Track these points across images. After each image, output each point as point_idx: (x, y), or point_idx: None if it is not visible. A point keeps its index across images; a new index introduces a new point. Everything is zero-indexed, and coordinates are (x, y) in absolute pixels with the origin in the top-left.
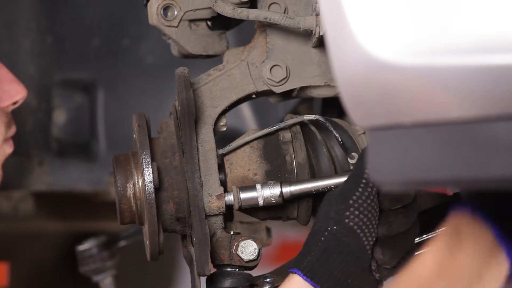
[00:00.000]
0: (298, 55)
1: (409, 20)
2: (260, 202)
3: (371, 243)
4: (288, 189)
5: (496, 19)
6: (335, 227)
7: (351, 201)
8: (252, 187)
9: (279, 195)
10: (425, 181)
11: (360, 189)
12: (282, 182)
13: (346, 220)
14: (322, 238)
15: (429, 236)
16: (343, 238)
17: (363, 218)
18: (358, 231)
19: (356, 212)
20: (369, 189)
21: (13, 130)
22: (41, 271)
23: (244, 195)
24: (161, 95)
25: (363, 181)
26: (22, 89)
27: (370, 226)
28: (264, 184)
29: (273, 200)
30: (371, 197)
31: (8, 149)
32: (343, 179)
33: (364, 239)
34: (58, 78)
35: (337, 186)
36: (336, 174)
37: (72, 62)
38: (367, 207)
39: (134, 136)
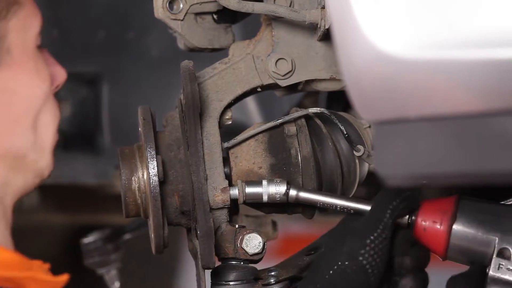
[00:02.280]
0: (304, 48)
1: (416, 14)
2: (265, 198)
3: (377, 283)
4: (295, 193)
5: (503, 13)
6: (346, 263)
7: (368, 241)
8: (258, 182)
9: (284, 194)
10: (431, 176)
11: (378, 231)
12: (291, 185)
13: (360, 258)
14: (331, 272)
15: None
16: (352, 274)
17: (376, 259)
18: (370, 270)
19: (371, 252)
20: (386, 232)
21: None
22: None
23: (249, 190)
24: (166, 88)
25: (382, 223)
26: (63, 72)
27: (381, 267)
28: (270, 181)
29: (277, 198)
30: (387, 240)
31: (57, 136)
32: (351, 204)
33: (372, 279)
34: None
35: (343, 208)
36: (346, 196)
37: (77, 55)
38: (382, 249)
39: (139, 129)
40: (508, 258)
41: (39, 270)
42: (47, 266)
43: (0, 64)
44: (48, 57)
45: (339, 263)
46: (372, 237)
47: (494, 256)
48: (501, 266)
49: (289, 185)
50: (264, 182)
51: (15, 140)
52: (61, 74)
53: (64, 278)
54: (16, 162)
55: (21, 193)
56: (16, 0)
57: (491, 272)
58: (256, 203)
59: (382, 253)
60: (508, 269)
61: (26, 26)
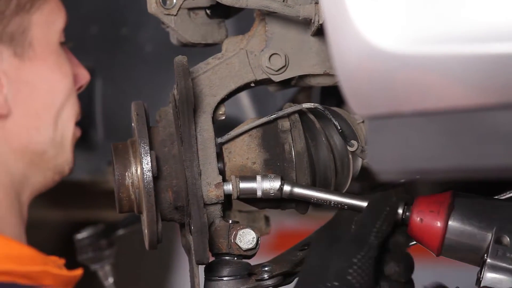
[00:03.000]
0: (297, 43)
1: (408, 8)
2: (259, 193)
3: None
4: (289, 188)
5: (496, 7)
6: (335, 283)
7: (355, 260)
8: (252, 178)
9: (278, 189)
10: (424, 170)
11: (365, 250)
12: (285, 180)
13: (349, 277)
14: None
15: None
16: None
17: (365, 277)
18: (358, 286)
19: (359, 271)
20: (372, 252)
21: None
22: None
23: (243, 185)
24: (160, 83)
25: (367, 245)
26: (87, 74)
27: (368, 284)
28: (264, 176)
29: (271, 194)
30: (373, 259)
31: (79, 132)
32: (345, 199)
33: None
34: None
35: (337, 204)
36: (340, 192)
37: (70, 50)
38: (368, 267)
39: (132, 124)
40: (506, 245)
41: (53, 265)
42: (62, 261)
43: (23, 58)
44: (72, 58)
45: (328, 284)
46: (359, 256)
47: (492, 243)
48: (498, 252)
49: (283, 180)
50: (258, 178)
51: (34, 135)
52: (84, 76)
53: (78, 272)
54: (35, 158)
55: (40, 189)
56: None
57: (489, 260)
58: (249, 198)
59: (369, 271)
60: (505, 255)
61: (49, 21)
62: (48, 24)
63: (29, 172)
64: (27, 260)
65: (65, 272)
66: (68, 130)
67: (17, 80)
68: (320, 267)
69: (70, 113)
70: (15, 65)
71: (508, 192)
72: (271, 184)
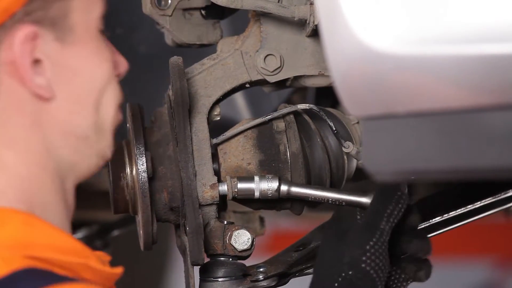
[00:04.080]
0: (292, 44)
1: (403, 9)
2: (257, 194)
3: (383, 285)
4: (286, 188)
5: (490, 8)
6: (350, 272)
7: (368, 247)
8: (250, 178)
9: (276, 190)
10: (420, 171)
11: (377, 236)
12: (282, 179)
13: (363, 265)
14: (336, 284)
15: (428, 224)
16: (358, 282)
17: (379, 263)
18: (374, 275)
19: (373, 257)
20: (384, 237)
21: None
22: None
23: (241, 185)
24: (155, 84)
25: (379, 230)
26: (125, 61)
27: (384, 269)
28: (262, 177)
29: (269, 194)
30: (386, 244)
31: (120, 116)
32: (342, 196)
33: (378, 282)
34: None
35: (335, 201)
36: (337, 189)
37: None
38: (382, 253)
39: (127, 125)
40: None
41: (96, 260)
42: (107, 258)
43: (64, 42)
44: (110, 45)
45: (343, 274)
46: (371, 243)
47: None
48: None
49: (281, 180)
50: (256, 178)
51: (78, 119)
52: (122, 63)
53: (119, 270)
54: (79, 142)
55: (85, 175)
56: None
57: None
58: (245, 199)
59: (383, 257)
60: None
61: (89, 7)
62: (88, 10)
63: (74, 157)
64: (68, 251)
65: (107, 268)
66: (108, 114)
67: (60, 64)
68: (334, 259)
69: (111, 98)
70: (57, 49)
71: (486, 200)
72: (269, 185)
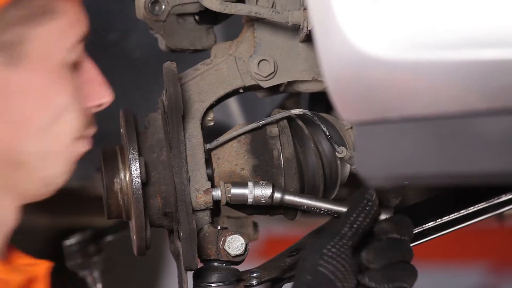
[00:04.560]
0: (286, 49)
1: (396, 15)
2: (250, 200)
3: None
4: (279, 195)
5: (482, 14)
6: (309, 277)
7: (325, 250)
8: (244, 184)
9: (269, 197)
10: (412, 176)
11: (335, 240)
12: (276, 187)
13: (321, 268)
14: None
15: (421, 230)
16: (318, 286)
17: (337, 265)
18: (332, 276)
19: (330, 260)
20: (344, 240)
21: (92, 130)
22: None
23: (235, 191)
24: (149, 89)
25: (340, 234)
26: (109, 93)
27: (345, 272)
28: (256, 183)
29: (262, 201)
30: (346, 247)
31: (82, 147)
32: (335, 207)
33: (339, 284)
34: None
35: (327, 211)
36: (331, 200)
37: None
38: (340, 255)
39: (121, 130)
40: None
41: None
42: (26, 261)
43: (15, 67)
44: (96, 76)
45: (304, 280)
46: (328, 246)
47: None
48: None
49: (275, 187)
50: (250, 184)
51: (16, 144)
52: (105, 95)
53: (14, 278)
54: (17, 165)
55: (26, 199)
56: (51, 10)
57: None
58: (238, 204)
59: (342, 259)
60: None
61: (59, 37)
62: (56, 40)
63: (11, 177)
64: None
65: (4, 275)
66: (60, 144)
67: (5, 88)
68: (301, 267)
69: (65, 128)
70: (4, 73)
71: (479, 205)
72: (263, 191)
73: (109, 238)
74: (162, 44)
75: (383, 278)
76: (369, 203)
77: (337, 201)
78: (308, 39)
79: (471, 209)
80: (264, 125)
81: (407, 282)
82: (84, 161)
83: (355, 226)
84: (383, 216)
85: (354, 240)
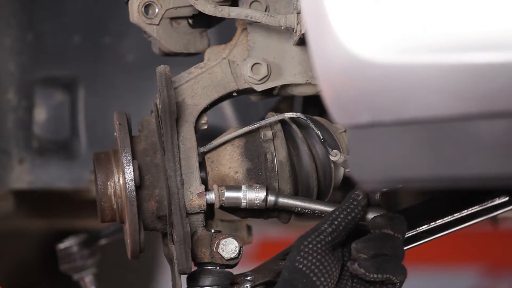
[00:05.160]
0: (280, 53)
1: (389, 19)
2: (244, 203)
3: (329, 285)
4: (273, 198)
5: (475, 19)
6: (286, 273)
7: (302, 247)
8: (238, 188)
9: (263, 200)
10: (405, 179)
11: (313, 236)
12: (269, 190)
13: (297, 264)
14: None
15: (413, 233)
16: (294, 282)
17: (312, 260)
18: (311, 274)
19: (306, 255)
20: (322, 236)
21: None
22: (21, 270)
23: (228, 194)
24: (142, 93)
25: (319, 231)
26: None
27: (323, 267)
28: (249, 186)
29: (256, 204)
30: (324, 243)
31: None
32: (329, 208)
33: (314, 278)
34: (38, 75)
35: (321, 213)
36: (324, 201)
37: (52, 59)
38: (317, 251)
39: (115, 134)
40: None
41: None
42: None
43: None
44: None
45: (283, 276)
46: (305, 243)
47: None
48: None
49: (268, 191)
50: (244, 188)
51: None
52: None
53: None
54: None
55: None
56: None
57: None
58: (232, 207)
59: (318, 254)
60: None
61: None
62: None
63: None
64: None
65: None
66: None
67: None
68: (284, 266)
69: None
70: None
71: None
72: (256, 195)
73: (103, 241)
74: (155, 48)
75: (372, 267)
76: (354, 203)
77: (331, 202)
78: (302, 42)
79: (465, 212)
80: (257, 129)
81: (396, 277)
82: (78, 165)
83: (335, 223)
84: (374, 214)
85: (333, 237)
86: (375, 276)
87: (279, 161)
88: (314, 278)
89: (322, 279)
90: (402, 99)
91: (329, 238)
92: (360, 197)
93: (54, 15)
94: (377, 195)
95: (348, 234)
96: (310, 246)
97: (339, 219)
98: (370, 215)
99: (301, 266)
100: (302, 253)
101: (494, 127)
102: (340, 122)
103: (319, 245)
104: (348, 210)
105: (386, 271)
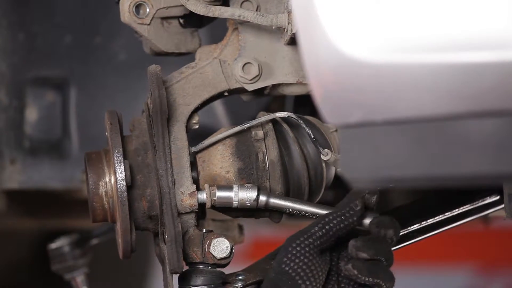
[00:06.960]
0: (271, 52)
1: (380, 18)
2: (235, 203)
3: (314, 285)
4: (265, 198)
5: (465, 18)
6: (273, 275)
7: (290, 248)
8: (229, 187)
9: (255, 200)
10: (397, 179)
11: (301, 238)
12: (261, 190)
13: (283, 266)
14: None
15: (404, 232)
16: (279, 283)
17: (299, 263)
18: (297, 277)
19: (293, 258)
20: (311, 239)
21: None
22: (13, 269)
23: (220, 194)
24: (133, 92)
25: (308, 233)
26: None
27: (309, 270)
28: (241, 186)
29: (247, 203)
30: (312, 246)
31: None
32: (320, 210)
33: (303, 286)
34: (30, 75)
35: (312, 215)
36: (316, 203)
37: (44, 59)
38: (304, 253)
39: (106, 133)
40: None
41: None
42: None
43: None
44: None
45: (268, 277)
46: (294, 245)
47: None
48: None
49: (260, 191)
50: (235, 187)
51: None
52: None
53: None
54: None
55: None
56: None
57: None
58: (224, 207)
59: (305, 257)
60: None
61: None
62: None
63: None
64: None
65: None
66: None
67: None
68: (271, 267)
69: None
70: None
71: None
72: (248, 194)
73: (94, 241)
74: (146, 48)
75: (366, 269)
76: (350, 212)
77: (322, 204)
78: (293, 42)
79: (456, 211)
80: (249, 128)
81: (386, 283)
82: (69, 165)
83: (327, 227)
84: (369, 218)
85: (322, 241)
86: (367, 279)
87: (271, 161)
88: (299, 281)
89: (308, 283)
90: (393, 98)
91: (318, 242)
92: (358, 208)
93: (45, 15)
94: (373, 199)
95: (338, 239)
96: (298, 248)
97: (331, 224)
98: (366, 220)
99: (287, 268)
100: (289, 255)
101: (484, 126)
102: (331, 122)
103: (307, 248)
104: (343, 217)
105: (378, 275)
